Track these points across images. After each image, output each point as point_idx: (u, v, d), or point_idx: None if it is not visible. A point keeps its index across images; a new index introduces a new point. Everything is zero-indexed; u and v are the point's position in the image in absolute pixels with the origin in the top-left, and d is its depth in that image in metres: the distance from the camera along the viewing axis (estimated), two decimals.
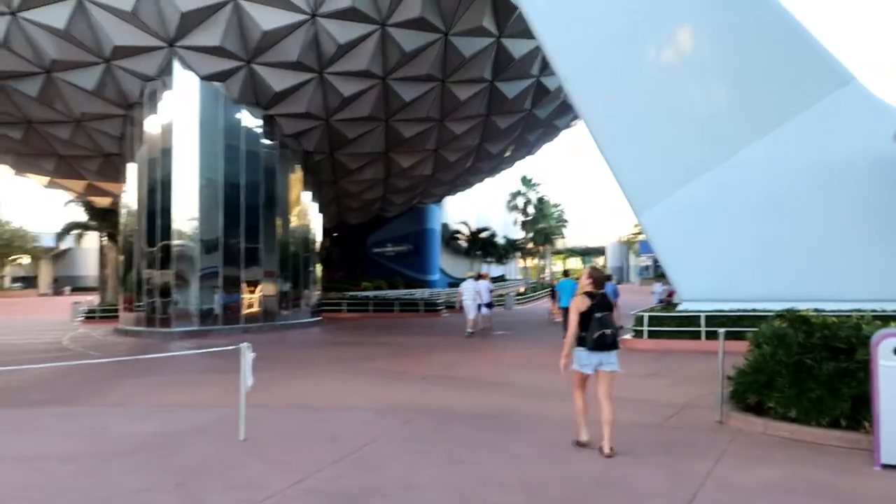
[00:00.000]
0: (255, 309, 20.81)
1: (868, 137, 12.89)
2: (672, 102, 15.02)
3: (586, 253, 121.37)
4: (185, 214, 19.31)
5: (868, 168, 12.87)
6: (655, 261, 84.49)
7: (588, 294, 5.78)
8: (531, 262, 72.37)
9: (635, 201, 15.33)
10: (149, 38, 18.29)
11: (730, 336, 13.06)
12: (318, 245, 25.26)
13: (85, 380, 10.73)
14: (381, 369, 11.64)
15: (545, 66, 23.17)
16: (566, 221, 65.47)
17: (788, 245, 13.52)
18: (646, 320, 14.18)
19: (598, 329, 5.59)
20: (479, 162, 29.25)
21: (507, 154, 29.87)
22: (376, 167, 26.73)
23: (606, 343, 5.63)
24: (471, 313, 17.99)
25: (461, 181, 32.84)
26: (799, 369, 6.26)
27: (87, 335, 20.25)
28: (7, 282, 74.12)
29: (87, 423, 7.46)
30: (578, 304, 5.75)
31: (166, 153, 19.41)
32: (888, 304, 11.91)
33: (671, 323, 13.97)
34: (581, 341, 5.74)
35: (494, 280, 62.45)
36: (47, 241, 64.04)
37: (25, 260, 74.30)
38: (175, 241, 19.11)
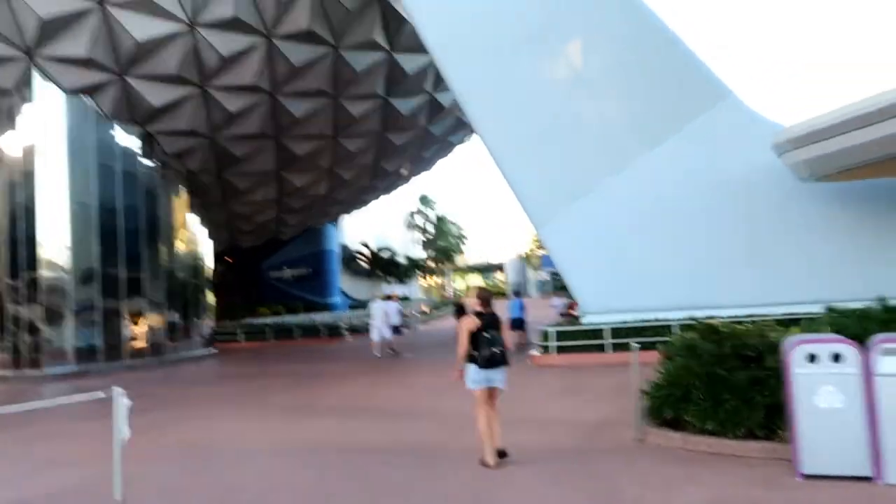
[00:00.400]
0: (140, 343, 19.08)
1: (747, 148, 13.51)
2: (565, 116, 15.16)
3: (486, 269, 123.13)
4: (55, 243, 17.44)
5: (749, 177, 13.48)
6: (554, 275, 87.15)
7: (477, 314, 5.96)
8: (433, 280, 72.34)
9: (534, 215, 15.33)
10: (2, 47, 16.46)
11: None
12: (208, 271, 23.69)
13: None
14: (286, 403, 10.73)
15: (439, 82, 23.03)
16: (465, 238, 65.97)
17: (682, 254, 13.88)
18: (552, 335, 14.06)
19: (488, 347, 5.79)
20: (376, 179, 28.68)
21: (404, 171, 29.47)
22: (268, 187, 25.52)
23: (496, 360, 5.82)
24: (376, 335, 17.72)
25: (358, 200, 32.12)
26: (713, 380, 6.11)
27: None
28: None
29: None
30: (468, 324, 5.90)
31: (28, 175, 17.50)
32: (776, 308, 12.42)
33: (577, 337, 13.92)
34: (472, 359, 5.90)
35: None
36: None
37: None
38: (43, 272, 17.18)
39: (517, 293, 21.84)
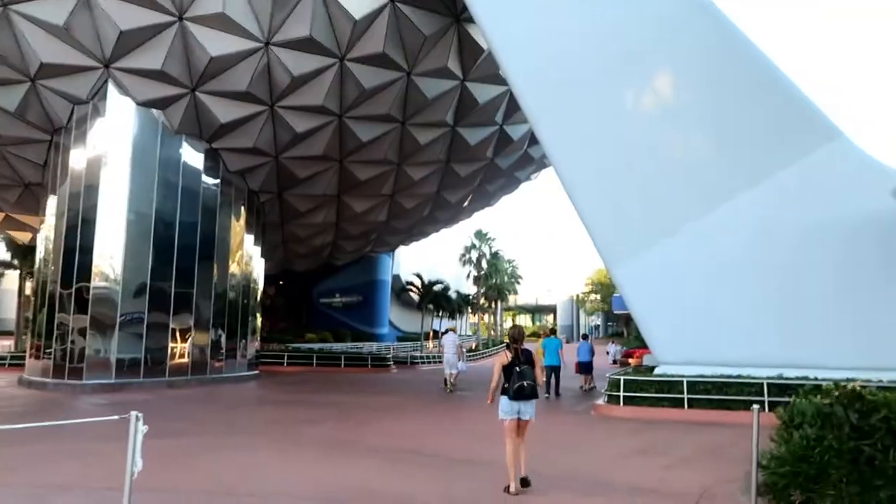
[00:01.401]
0: (183, 360, 18.63)
1: (858, 194, 12.18)
2: (650, 150, 14.18)
3: (537, 310, 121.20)
4: (109, 253, 17.30)
5: (860, 226, 12.09)
6: (607, 319, 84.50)
7: (511, 349, 6.47)
8: (482, 318, 71.09)
9: (608, 254, 14.27)
10: (81, 57, 16.61)
11: (715, 405, 12.04)
12: (259, 292, 23.31)
13: None
14: (327, 437, 9.86)
15: (509, 114, 22.44)
16: (520, 277, 64.70)
17: (775, 307, 12.57)
18: (621, 384, 12.85)
19: (517, 381, 6.26)
20: (437, 210, 28.06)
21: (466, 204, 28.79)
22: (327, 211, 25.18)
23: (525, 393, 6.28)
24: (450, 368, 17.59)
25: (417, 230, 31.54)
26: (856, 459, 4.94)
27: None
28: None
29: None
30: (501, 359, 6.49)
31: (92, 184, 17.47)
32: (882, 374, 10.92)
33: (650, 388, 12.68)
34: (504, 391, 6.39)
35: (438, 335, 60.89)
36: None
37: None
38: (95, 283, 16.98)
39: (585, 336, 20.81)
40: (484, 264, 54.75)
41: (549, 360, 16.23)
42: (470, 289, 58.93)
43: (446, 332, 19.59)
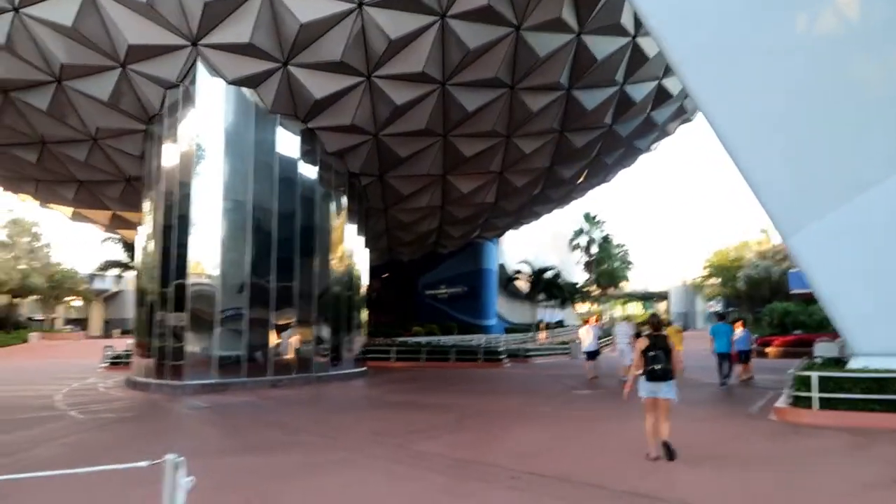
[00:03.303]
0: (287, 358, 17.34)
1: None
2: (838, 85, 11.13)
3: (647, 297, 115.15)
4: (206, 246, 16.19)
5: None
6: (727, 305, 78.61)
7: (647, 336, 7.36)
8: (590, 307, 67.62)
9: (783, 220, 11.37)
10: (168, 36, 15.48)
11: None
12: (364, 285, 21.81)
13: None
14: (446, 455, 7.81)
15: (631, 71, 19.61)
16: (631, 263, 60.88)
17: None
18: (814, 382, 10.01)
19: (650, 364, 7.15)
20: (549, 188, 25.54)
21: (581, 180, 26.07)
22: (432, 193, 23.30)
23: (656, 375, 7.11)
24: (627, 359, 16.53)
25: (527, 211, 29.10)
26: None
27: (91, 387, 17.14)
28: (59, 323, 73.59)
29: None
30: (640, 344, 7.36)
31: (186, 174, 16.43)
32: None
33: (854, 387, 9.76)
34: (644, 373, 7.23)
35: (552, 326, 58.07)
36: (101, 284, 64.45)
37: (78, 302, 74.08)
38: (192, 278, 15.92)
39: (742, 322, 18.03)
40: (594, 249, 51.49)
41: (720, 346, 15.79)
42: (578, 276, 55.90)
43: (619, 322, 18.54)
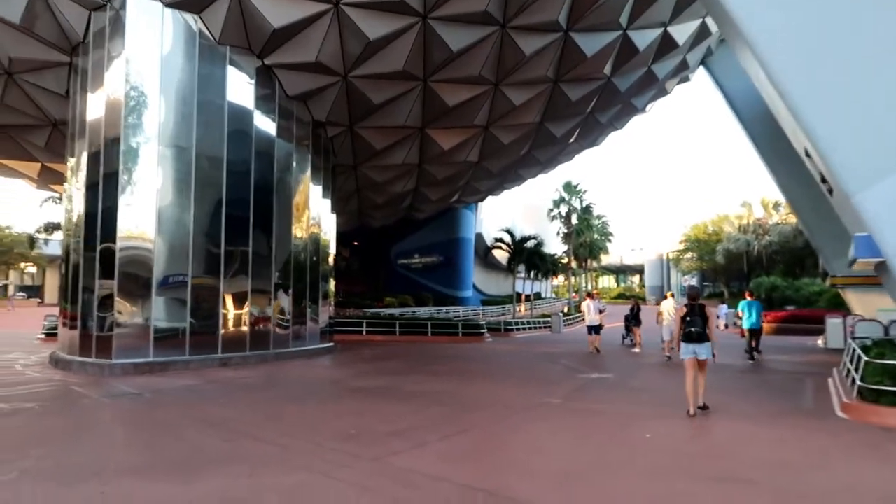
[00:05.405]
0: (239, 332, 14.90)
1: None
2: None
3: (621, 271, 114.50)
4: (139, 201, 13.54)
5: None
6: (703, 279, 77.87)
7: (686, 305, 8.57)
8: (567, 279, 66.03)
9: (850, 176, 9.26)
10: None
11: None
12: (331, 249, 19.32)
13: None
14: (441, 478, 5.54)
15: (637, 14, 17.26)
16: (611, 234, 59.20)
17: None
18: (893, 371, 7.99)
19: (687, 328, 8.37)
20: (537, 148, 23.22)
21: (572, 140, 23.77)
22: (409, 148, 20.78)
23: (692, 337, 8.30)
24: (667, 334, 16.05)
25: (512, 174, 26.74)
26: None
27: (7, 365, 14.45)
28: (11, 290, 69.76)
29: None
30: (680, 312, 8.64)
31: (115, 114, 13.65)
32: None
33: None
34: (683, 337, 8.44)
35: (530, 298, 56.23)
36: (55, 249, 61.00)
37: (32, 269, 70.51)
38: (122, 241, 13.28)
39: (752, 294, 16.42)
40: (574, 220, 49.44)
41: (750, 322, 15.36)
42: (555, 248, 54.04)
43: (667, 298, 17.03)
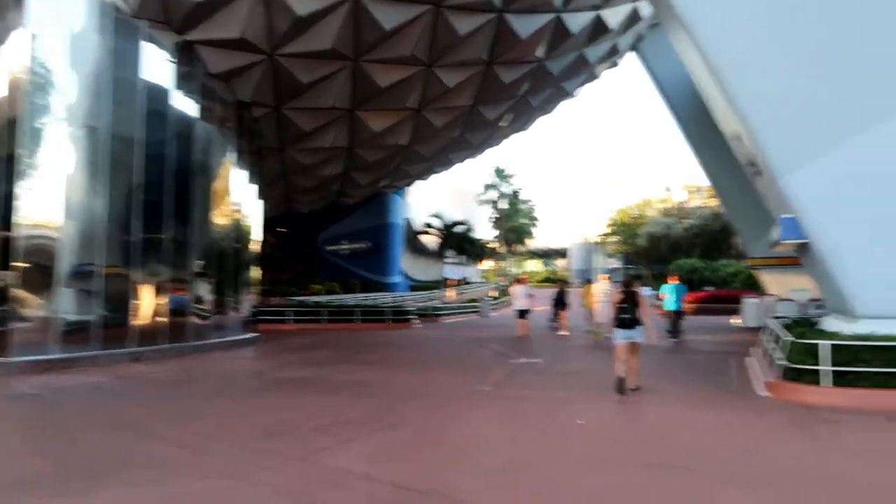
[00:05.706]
0: (154, 324, 14.04)
1: None
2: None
3: (547, 255, 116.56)
4: (41, 186, 12.42)
5: None
6: (626, 262, 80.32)
7: (621, 291, 8.90)
8: (495, 264, 66.61)
9: (778, 158, 9.53)
10: None
11: None
12: (255, 234, 18.50)
13: None
14: (373, 477, 5.22)
15: None
16: (537, 219, 60.10)
17: None
18: (824, 353, 8.23)
19: (621, 314, 8.71)
20: (469, 131, 23.02)
21: (504, 123, 23.69)
22: (338, 130, 20.12)
23: (626, 324, 8.65)
24: (600, 317, 15.89)
25: (442, 158, 26.46)
26: None
27: None
28: None
29: None
30: (615, 298, 9.01)
31: (14, 90, 12.47)
32: None
33: (874, 359, 8.06)
34: (616, 323, 8.80)
35: (459, 283, 56.42)
36: None
37: None
38: (22, 229, 12.15)
39: (679, 277, 17.05)
40: (503, 205, 49.81)
41: (672, 303, 16.08)
42: (484, 233, 54.41)
43: (599, 281, 17.30)
